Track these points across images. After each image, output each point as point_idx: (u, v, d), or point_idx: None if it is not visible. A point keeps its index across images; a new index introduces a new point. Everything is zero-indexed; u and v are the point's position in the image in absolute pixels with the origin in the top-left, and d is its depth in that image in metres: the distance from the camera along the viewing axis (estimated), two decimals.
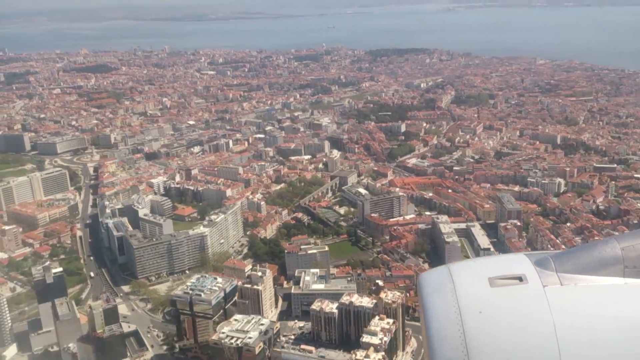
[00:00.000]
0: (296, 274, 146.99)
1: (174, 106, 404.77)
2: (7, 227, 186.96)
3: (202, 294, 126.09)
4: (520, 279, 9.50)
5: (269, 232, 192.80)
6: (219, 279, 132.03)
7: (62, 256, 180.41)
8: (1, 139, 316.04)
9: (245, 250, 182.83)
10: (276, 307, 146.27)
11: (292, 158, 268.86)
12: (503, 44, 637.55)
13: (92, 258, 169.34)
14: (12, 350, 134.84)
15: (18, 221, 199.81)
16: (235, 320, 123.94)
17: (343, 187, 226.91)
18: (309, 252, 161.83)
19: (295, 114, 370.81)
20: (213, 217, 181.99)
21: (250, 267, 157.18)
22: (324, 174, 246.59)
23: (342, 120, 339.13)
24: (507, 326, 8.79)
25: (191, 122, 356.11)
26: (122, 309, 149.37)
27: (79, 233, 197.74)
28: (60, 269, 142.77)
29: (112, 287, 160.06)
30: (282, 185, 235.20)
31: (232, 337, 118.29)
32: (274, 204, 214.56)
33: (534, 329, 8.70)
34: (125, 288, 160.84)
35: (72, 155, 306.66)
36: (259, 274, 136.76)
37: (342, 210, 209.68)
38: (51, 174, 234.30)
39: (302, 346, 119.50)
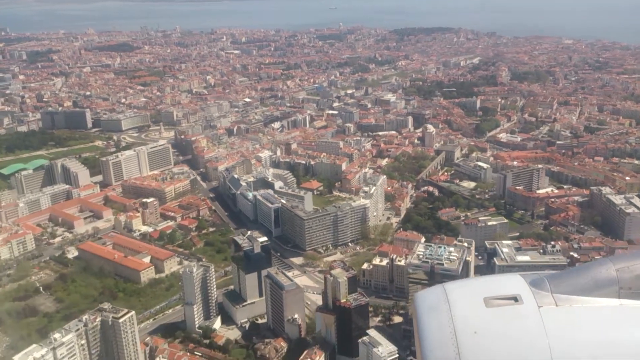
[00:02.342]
0: (488, 246, 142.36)
1: (218, 84, 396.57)
2: (148, 200, 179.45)
3: (443, 262, 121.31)
4: (515, 299, 9.33)
5: (405, 204, 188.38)
6: (451, 248, 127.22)
7: (212, 229, 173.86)
8: (62, 115, 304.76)
9: (393, 221, 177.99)
10: None
11: (381, 133, 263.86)
12: (519, 24, 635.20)
13: (250, 232, 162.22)
14: (216, 324, 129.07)
15: (145, 195, 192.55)
16: None
17: (457, 161, 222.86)
18: (489, 223, 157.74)
19: (349, 91, 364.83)
20: (366, 189, 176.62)
21: (424, 238, 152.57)
22: (425, 149, 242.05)
23: (405, 97, 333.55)
24: (502, 347, 8.59)
25: (247, 100, 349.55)
26: (305, 281, 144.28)
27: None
28: (265, 238, 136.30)
29: (281, 260, 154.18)
30: (387, 159, 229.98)
31: None
32: (391, 178, 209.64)
33: (529, 350, 8.50)
34: (295, 260, 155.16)
35: (137, 132, 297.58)
36: (465, 244, 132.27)
37: (464, 184, 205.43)
38: (155, 148, 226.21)
39: None
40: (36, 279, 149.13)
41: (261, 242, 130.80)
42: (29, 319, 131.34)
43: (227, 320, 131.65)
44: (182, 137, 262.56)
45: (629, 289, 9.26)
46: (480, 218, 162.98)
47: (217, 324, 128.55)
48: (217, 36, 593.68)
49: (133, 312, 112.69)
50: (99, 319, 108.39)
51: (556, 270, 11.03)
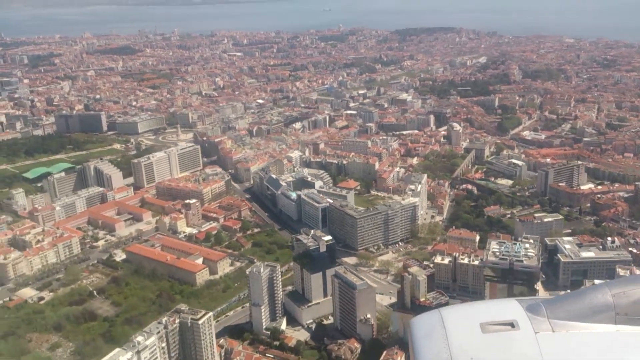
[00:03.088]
0: (548, 243, 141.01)
1: (227, 86, 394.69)
2: (191, 202, 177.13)
3: (522, 259, 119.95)
4: (512, 324, 9.26)
5: (446, 203, 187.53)
6: (526, 245, 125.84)
7: (256, 229, 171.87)
8: (76, 118, 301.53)
9: (437, 219, 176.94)
10: None
11: (405, 132, 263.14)
12: (517, 24, 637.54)
13: (313, 231, 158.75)
14: (282, 325, 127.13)
15: (181, 196, 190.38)
16: None
17: (489, 159, 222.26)
18: (545, 220, 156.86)
19: (360, 92, 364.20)
20: (412, 187, 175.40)
21: (478, 237, 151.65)
22: (452, 147, 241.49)
23: (421, 96, 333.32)
24: None
25: (260, 101, 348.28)
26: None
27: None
28: (329, 237, 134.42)
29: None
30: (416, 158, 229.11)
31: None
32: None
33: None
34: (348, 260, 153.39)
35: (154, 134, 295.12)
36: (531, 240, 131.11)
37: (500, 182, 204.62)
38: (185, 150, 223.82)
39: None
40: (87, 282, 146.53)
41: (326, 242, 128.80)
42: (89, 324, 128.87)
43: (291, 321, 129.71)
44: (204, 138, 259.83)
45: (626, 314, 9.17)
46: (535, 215, 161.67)
47: (283, 325, 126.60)
48: (218, 38, 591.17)
49: (211, 314, 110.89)
50: (177, 320, 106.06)
51: (554, 296, 10.85)
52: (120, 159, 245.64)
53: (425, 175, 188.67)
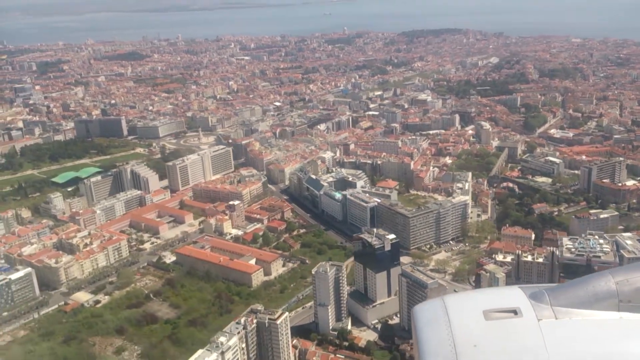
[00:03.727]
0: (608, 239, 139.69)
1: (241, 89, 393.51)
2: (235, 203, 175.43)
3: (600, 255, 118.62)
4: (515, 312, 9.27)
5: (488, 201, 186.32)
6: (601, 240, 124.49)
7: (302, 230, 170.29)
8: (96, 123, 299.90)
9: (483, 217, 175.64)
10: None
11: (432, 132, 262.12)
12: (521, 24, 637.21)
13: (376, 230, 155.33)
14: (347, 325, 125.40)
15: (220, 198, 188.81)
16: None
17: (525, 157, 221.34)
18: (601, 216, 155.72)
19: (377, 93, 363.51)
20: (459, 185, 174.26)
21: (533, 234, 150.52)
22: (482, 146, 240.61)
23: (441, 96, 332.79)
24: None
25: (277, 104, 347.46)
26: None
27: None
28: (393, 235, 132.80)
29: None
30: (448, 157, 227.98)
31: None
32: None
33: None
34: (401, 259, 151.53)
35: (174, 138, 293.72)
36: (596, 237, 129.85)
37: (538, 179, 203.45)
38: (217, 152, 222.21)
39: None
40: (141, 285, 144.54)
41: (391, 240, 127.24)
42: (151, 326, 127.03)
43: (355, 321, 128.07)
44: (229, 141, 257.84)
45: (629, 301, 9.10)
46: (591, 211, 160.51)
47: (349, 325, 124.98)
48: (224, 43, 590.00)
49: (287, 314, 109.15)
50: (255, 320, 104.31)
51: (556, 284, 10.71)
52: (147, 162, 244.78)
53: (470, 174, 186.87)
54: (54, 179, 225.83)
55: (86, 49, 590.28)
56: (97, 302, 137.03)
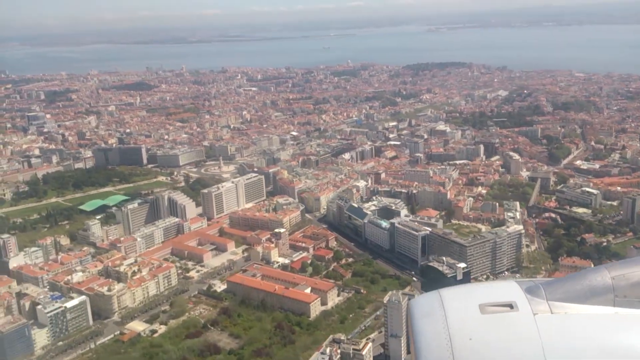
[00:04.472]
0: None
1: (254, 119, 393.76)
2: (280, 230, 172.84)
3: None
4: (510, 306, 9.29)
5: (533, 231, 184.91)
6: None
7: (350, 259, 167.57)
8: (116, 152, 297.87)
9: (532, 247, 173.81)
10: None
11: (458, 162, 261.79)
12: (522, 59, 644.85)
13: (445, 258, 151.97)
14: None
15: (259, 226, 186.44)
16: None
17: (560, 187, 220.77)
18: None
19: (391, 123, 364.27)
20: (510, 214, 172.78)
21: (592, 264, 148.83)
22: (513, 176, 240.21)
23: (460, 127, 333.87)
24: (497, 353, 8.59)
25: (294, 133, 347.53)
26: None
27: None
28: (464, 264, 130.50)
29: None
30: (481, 187, 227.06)
31: None
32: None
33: (524, 358, 8.49)
34: None
35: (195, 167, 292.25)
36: None
37: (577, 210, 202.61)
38: (250, 180, 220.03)
39: None
40: (196, 314, 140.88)
41: (462, 269, 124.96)
42: (214, 357, 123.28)
43: None
44: (254, 169, 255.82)
45: (624, 296, 9.11)
46: None
47: None
48: (231, 74, 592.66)
49: (371, 344, 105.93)
50: (339, 351, 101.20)
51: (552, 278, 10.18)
52: (169, 190, 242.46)
53: (517, 203, 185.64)
54: (81, 207, 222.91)
55: (91, 79, 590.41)
56: (154, 331, 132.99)
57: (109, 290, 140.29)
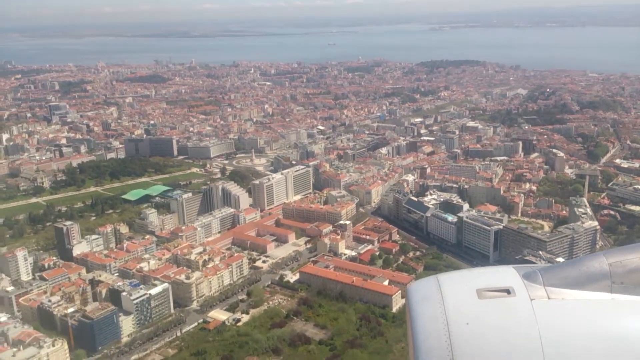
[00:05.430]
0: None
1: (276, 113, 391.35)
2: (346, 222, 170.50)
3: None
4: (508, 291, 9.34)
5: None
6: None
7: (416, 252, 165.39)
8: (146, 143, 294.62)
9: (600, 244, 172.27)
10: None
11: (499, 158, 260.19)
12: (530, 58, 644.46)
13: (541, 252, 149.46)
14: None
15: (315, 218, 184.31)
16: None
17: (611, 185, 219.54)
18: None
19: (417, 119, 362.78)
20: (581, 210, 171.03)
21: None
22: (558, 173, 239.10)
23: (491, 124, 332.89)
24: (493, 338, 8.71)
25: (321, 127, 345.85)
26: None
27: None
28: (562, 258, 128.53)
29: None
30: (528, 184, 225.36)
31: None
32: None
33: (521, 342, 8.64)
34: None
35: (227, 159, 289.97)
36: None
37: (631, 208, 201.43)
38: (299, 172, 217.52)
39: None
40: (274, 304, 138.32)
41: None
42: (307, 347, 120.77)
43: None
44: (292, 162, 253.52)
45: (621, 283, 9.16)
46: None
47: None
48: (244, 68, 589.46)
49: None
50: None
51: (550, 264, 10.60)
52: (209, 182, 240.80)
53: (585, 199, 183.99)
54: (124, 196, 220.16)
55: (103, 71, 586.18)
56: (237, 320, 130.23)
57: (187, 278, 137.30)
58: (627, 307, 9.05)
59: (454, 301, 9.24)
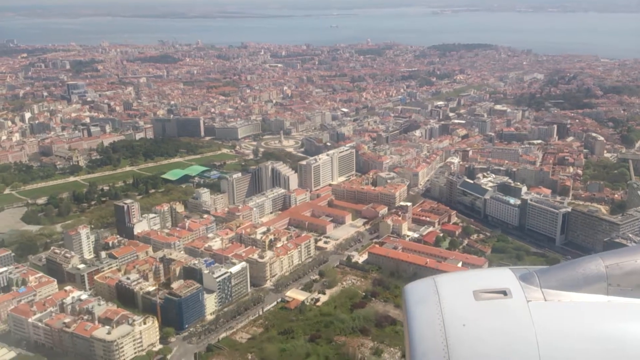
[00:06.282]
0: None
1: (295, 95, 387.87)
2: (407, 204, 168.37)
3: None
4: (504, 293, 9.35)
5: None
6: None
7: (480, 235, 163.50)
8: (174, 123, 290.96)
9: None
10: None
11: (535, 142, 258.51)
12: (540, 43, 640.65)
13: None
14: None
15: (368, 200, 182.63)
16: None
17: None
18: None
19: (439, 102, 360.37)
20: None
21: None
22: (598, 157, 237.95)
23: (520, 107, 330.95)
24: (490, 340, 8.67)
25: (345, 110, 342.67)
26: None
27: None
28: None
29: None
30: (573, 167, 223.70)
31: None
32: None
33: (517, 344, 8.62)
34: None
35: (254, 140, 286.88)
36: None
37: None
38: (344, 153, 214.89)
39: None
40: (348, 284, 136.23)
41: None
42: (393, 327, 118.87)
43: None
44: (327, 144, 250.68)
45: (618, 285, 9.14)
46: None
47: None
48: (254, 49, 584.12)
49: None
50: None
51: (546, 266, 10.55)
52: (244, 163, 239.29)
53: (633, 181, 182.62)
54: (164, 176, 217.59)
55: (110, 51, 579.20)
56: (317, 300, 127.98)
57: (261, 257, 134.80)
58: (623, 310, 8.89)
59: (450, 303, 9.09)
